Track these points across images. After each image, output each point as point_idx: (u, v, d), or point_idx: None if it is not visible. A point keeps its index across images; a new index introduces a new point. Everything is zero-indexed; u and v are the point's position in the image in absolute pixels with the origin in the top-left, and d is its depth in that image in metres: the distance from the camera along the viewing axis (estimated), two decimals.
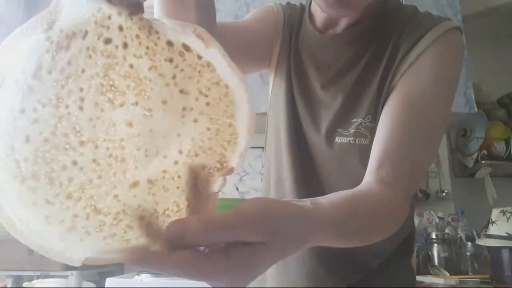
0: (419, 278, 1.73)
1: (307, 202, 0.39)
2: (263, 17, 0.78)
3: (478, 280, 1.62)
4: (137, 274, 1.59)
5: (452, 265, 1.81)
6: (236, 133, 0.32)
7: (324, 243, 0.43)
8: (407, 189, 0.57)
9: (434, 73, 0.61)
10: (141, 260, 0.29)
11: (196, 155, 0.32)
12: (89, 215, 0.29)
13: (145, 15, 0.30)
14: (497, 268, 1.63)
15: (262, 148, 0.89)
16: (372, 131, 0.63)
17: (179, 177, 0.31)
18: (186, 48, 0.31)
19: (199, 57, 0.31)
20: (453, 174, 2.40)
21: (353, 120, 0.66)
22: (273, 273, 0.73)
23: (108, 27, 0.29)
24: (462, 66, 0.66)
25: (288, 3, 0.83)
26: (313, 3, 0.75)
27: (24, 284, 1.64)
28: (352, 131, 0.66)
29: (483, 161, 2.24)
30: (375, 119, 0.64)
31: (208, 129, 0.32)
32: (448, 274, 1.70)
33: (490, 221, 1.67)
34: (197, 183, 0.31)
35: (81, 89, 0.29)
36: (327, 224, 0.40)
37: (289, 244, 0.34)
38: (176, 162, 0.31)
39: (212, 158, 0.32)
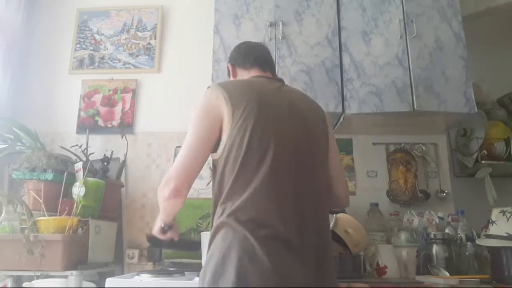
0: (419, 278, 1.73)
1: None
2: None
3: (478, 280, 1.61)
4: (137, 274, 1.59)
5: (452, 265, 1.80)
6: None
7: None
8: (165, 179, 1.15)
9: None
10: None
11: None
12: None
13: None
14: (497, 268, 1.62)
15: None
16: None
17: None
18: None
19: None
20: (453, 174, 2.40)
21: None
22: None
23: None
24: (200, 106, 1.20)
25: None
26: None
27: (24, 284, 1.64)
28: None
29: (483, 161, 2.23)
30: None
31: None
32: (448, 274, 1.70)
33: (490, 221, 1.67)
34: None
35: None
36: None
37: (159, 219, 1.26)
38: None
39: None
